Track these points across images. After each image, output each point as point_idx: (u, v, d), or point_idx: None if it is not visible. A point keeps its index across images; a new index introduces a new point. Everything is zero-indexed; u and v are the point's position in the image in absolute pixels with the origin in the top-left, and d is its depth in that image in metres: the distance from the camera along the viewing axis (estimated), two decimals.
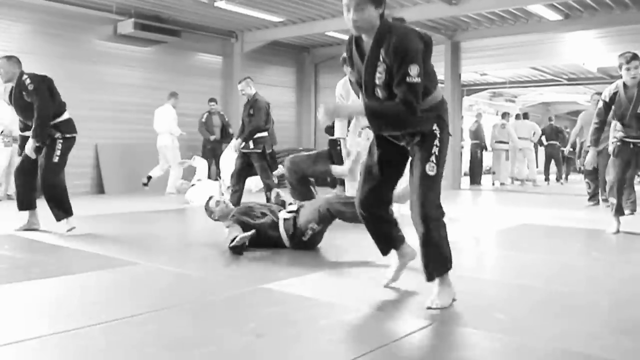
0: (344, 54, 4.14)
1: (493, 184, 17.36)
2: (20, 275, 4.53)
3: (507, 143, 17.10)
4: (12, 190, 11.01)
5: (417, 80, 3.43)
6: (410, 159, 3.77)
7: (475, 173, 17.57)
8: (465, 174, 18.23)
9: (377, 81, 3.58)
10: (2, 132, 10.84)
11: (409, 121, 3.55)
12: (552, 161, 19.11)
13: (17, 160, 10.87)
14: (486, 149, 17.37)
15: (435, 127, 3.62)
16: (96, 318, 3.29)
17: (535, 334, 3.10)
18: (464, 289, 4.08)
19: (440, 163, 3.61)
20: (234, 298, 3.82)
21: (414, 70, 3.42)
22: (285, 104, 16.97)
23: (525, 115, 19.07)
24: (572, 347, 2.88)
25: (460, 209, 10.37)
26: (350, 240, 5.95)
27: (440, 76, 16.54)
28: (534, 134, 17.69)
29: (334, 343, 2.92)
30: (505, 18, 13.88)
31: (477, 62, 15.80)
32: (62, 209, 6.67)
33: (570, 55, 15.17)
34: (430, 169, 3.58)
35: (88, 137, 12.55)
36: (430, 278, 3.67)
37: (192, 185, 11.07)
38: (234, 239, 5.28)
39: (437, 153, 3.60)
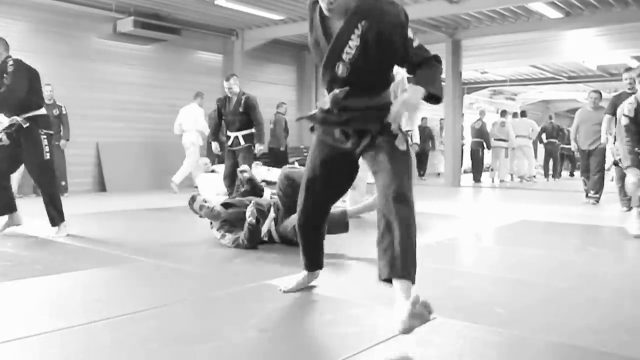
0: None
1: (492, 181, 17.45)
2: (23, 272, 4.57)
3: (506, 141, 17.23)
4: (13, 188, 11.06)
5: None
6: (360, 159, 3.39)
7: (477, 170, 17.60)
8: (465, 172, 18.31)
9: (343, 56, 3.18)
10: None
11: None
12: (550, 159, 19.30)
13: None
14: (488, 147, 17.43)
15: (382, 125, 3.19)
16: (99, 314, 3.32)
17: (534, 328, 3.14)
18: (463, 285, 4.13)
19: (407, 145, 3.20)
20: (236, 294, 3.86)
21: (411, 33, 3.14)
22: (286, 102, 17.00)
23: (523, 114, 19.17)
24: (570, 340, 2.92)
25: (460, 205, 10.42)
26: (350, 237, 6.00)
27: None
28: (532, 131, 17.81)
29: (337, 337, 2.96)
30: (506, 16, 13.91)
31: (477, 60, 15.86)
32: (60, 212, 6.47)
33: (571, 53, 15.22)
34: (401, 143, 3.14)
35: (89, 135, 12.65)
36: (404, 276, 2.92)
37: (212, 171, 11.15)
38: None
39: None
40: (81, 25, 12.81)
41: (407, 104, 3.01)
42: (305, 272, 3.89)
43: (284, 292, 3.82)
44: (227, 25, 15.08)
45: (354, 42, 3.15)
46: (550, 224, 7.65)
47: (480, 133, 17.38)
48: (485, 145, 17.38)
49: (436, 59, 3.17)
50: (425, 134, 18.76)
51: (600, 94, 10.60)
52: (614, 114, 8.71)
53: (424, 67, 3.14)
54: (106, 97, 13.08)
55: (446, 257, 5.42)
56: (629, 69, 8.99)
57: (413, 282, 2.91)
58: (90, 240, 6.06)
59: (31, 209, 9.02)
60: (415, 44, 3.14)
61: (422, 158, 19.00)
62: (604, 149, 9.75)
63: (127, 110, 13.47)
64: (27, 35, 12.02)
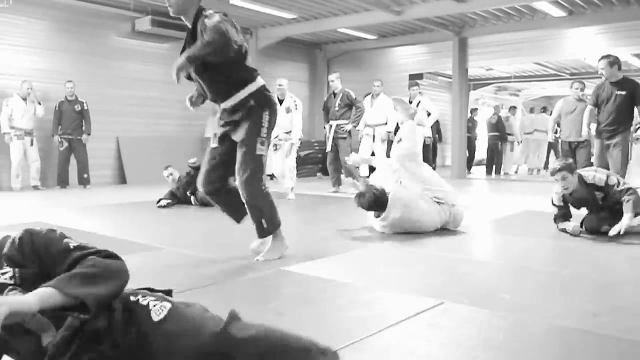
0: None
1: (499, 173, 17.60)
2: None
3: (511, 135, 17.33)
4: (35, 181, 11.19)
5: None
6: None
7: (498, 163, 17.51)
8: (473, 165, 18.37)
9: None
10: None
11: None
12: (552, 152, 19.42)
13: (32, 152, 11.12)
14: (505, 141, 17.45)
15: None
16: None
17: (538, 312, 3.20)
18: (471, 271, 4.20)
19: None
20: (255, 280, 3.94)
21: None
22: (300, 98, 17.00)
23: (544, 109, 19.17)
24: (572, 324, 2.98)
25: (466, 197, 10.45)
26: (359, 227, 6.07)
27: (448, 71, 16.66)
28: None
29: (351, 321, 3.02)
30: (511, 15, 13.91)
31: (483, 57, 15.85)
32: None
33: (573, 50, 15.21)
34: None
35: (110, 130, 12.75)
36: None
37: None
38: None
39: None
40: (101, 25, 12.88)
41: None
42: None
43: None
44: (242, 24, 14.96)
45: None
46: (552, 214, 7.66)
47: (497, 127, 17.38)
48: (502, 139, 17.41)
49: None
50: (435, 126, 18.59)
51: (584, 85, 10.28)
52: (596, 105, 8.58)
53: None
54: (125, 94, 13.16)
55: (452, 245, 5.47)
56: (605, 57, 8.60)
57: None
58: (114, 230, 6.14)
59: (55, 201, 9.13)
60: None
61: (434, 150, 18.65)
62: (590, 142, 9.44)
63: (146, 106, 13.55)
64: (49, 34, 12.13)
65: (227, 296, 3.57)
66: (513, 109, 18.24)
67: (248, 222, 5.13)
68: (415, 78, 16.44)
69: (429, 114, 12.01)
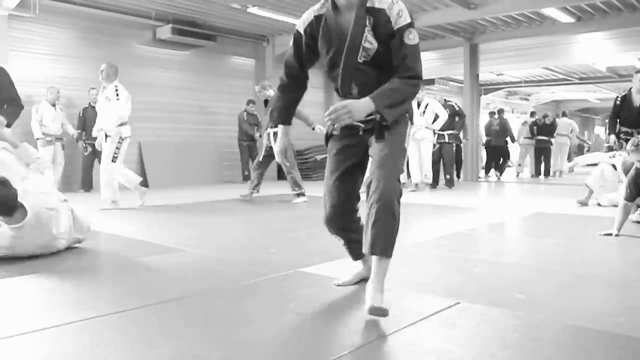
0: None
1: (517, 175, 17.58)
2: (79, 262, 4.63)
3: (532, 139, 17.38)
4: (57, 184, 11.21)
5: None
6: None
7: (545, 165, 17.43)
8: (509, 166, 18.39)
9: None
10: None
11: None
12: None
13: (60, 157, 11.17)
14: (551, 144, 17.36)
15: None
16: (149, 299, 3.38)
17: (553, 312, 3.15)
18: (486, 272, 4.14)
19: None
20: (273, 280, 3.90)
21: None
22: (314, 104, 16.97)
23: (564, 114, 19.14)
24: (587, 324, 2.92)
25: (480, 199, 10.38)
26: None
27: (459, 76, 16.61)
28: (571, 131, 17.82)
29: (368, 320, 2.98)
30: (520, 21, 13.86)
31: (494, 62, 15.81)
32: None
33: (581, 55, 15.15)
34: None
35: (132, 135, 12.75)
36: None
37: None
38: None
39: None
40: (123, 33, 12.95)
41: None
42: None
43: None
44: (259, 32, 15.13)
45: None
46: (566, 215, 7.61)
47: (549, 130, 17.24)
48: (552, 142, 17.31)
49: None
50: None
51: None
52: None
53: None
54: (146, 100, 13.19)
55: (467, 246, 5.43)
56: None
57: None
58: (137, 232, 6.13)
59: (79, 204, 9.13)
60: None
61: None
62: None
63: (167, 112, 13.60)
64: (73, 42, 12.19)
65: (245, 296, 3.53)
66: (533, 113, 18.15)
67: (261, 225, 5.12)
68: (427, 83, 16.42)
69: (437, 117, 11.88)
